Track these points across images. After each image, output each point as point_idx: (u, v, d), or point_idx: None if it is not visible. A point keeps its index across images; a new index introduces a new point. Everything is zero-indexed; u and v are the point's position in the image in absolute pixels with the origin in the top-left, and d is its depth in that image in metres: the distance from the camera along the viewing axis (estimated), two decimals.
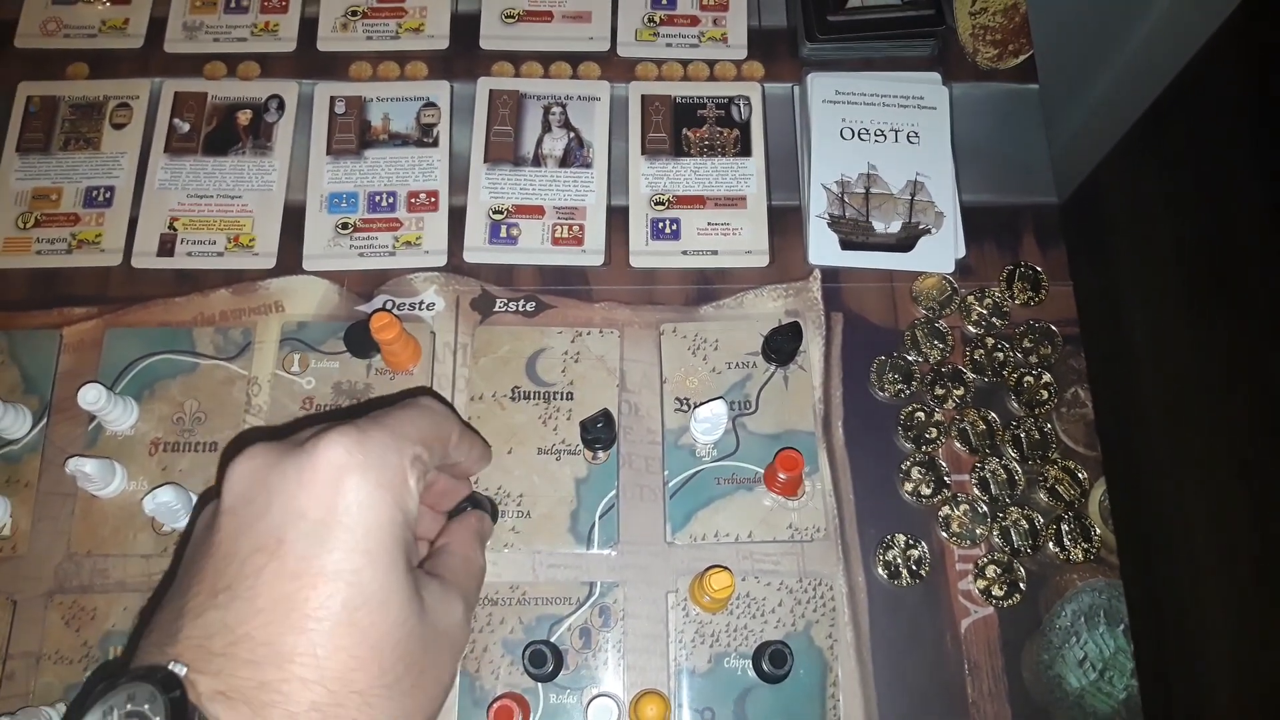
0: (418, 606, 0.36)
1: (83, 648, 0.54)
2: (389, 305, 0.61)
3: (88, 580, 0.55)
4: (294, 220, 0.62)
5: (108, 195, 0.62)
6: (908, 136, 0.64)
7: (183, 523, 0.55)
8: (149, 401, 0.58)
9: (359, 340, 0.58)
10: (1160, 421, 1.21)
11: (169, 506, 0.53)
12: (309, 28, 0.67)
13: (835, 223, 0.62)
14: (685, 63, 0.67)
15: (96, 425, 0.57)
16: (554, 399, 0.59)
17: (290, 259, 0.61)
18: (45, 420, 0.58)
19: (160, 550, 0.55)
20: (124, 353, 0.59)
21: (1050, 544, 0.56)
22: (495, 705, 0.50)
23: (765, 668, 0.52)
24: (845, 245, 0.61)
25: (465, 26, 0.68)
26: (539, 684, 0.53)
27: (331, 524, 0.34)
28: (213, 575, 0.34)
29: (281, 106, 0.65)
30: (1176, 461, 1.18)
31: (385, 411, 0.39)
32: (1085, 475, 0.58)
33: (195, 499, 0.55)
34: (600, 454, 0.57)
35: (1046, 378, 0.59)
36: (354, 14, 0.67)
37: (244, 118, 0.64)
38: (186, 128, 0.64)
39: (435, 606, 0.38)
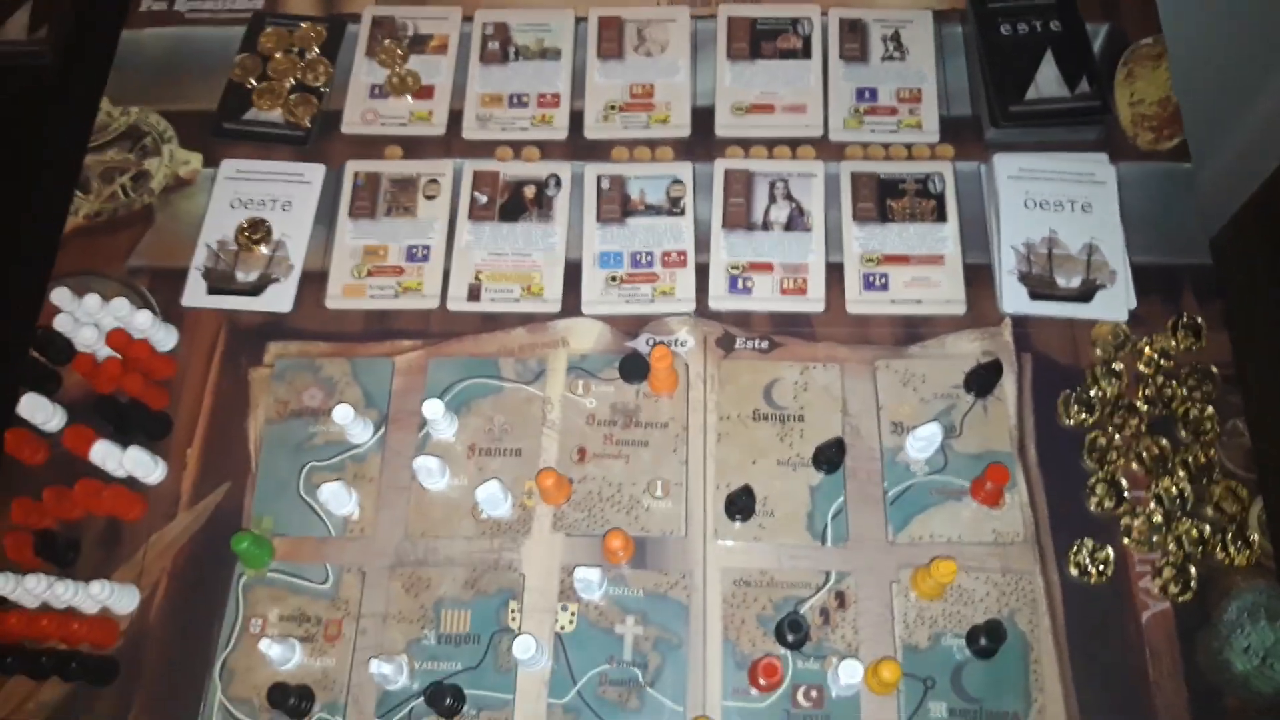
0: None
1: (420, 610, 0.67)
2: (650, 342, 0.74)
3: (422, 556, 0.69)
4: (573, 274, 0.77)
5: (425, 252, 0.78)
6: (1082, 207, 0.76)
7: (501, 511, 0.68)
8: (465, 416, 0.72)
9: (630, 369, 0.72)
10: None
11: (494, 497, 0.67)
12: (577, 119, 0.83)
13: (1024, 278, 0.74)
14: (887, 145, 0.81)
15: (425, 434, 0.72)
16: (788, 420, 0.72)
17: (572, 304, 0.76)
18: (384, 429, 0.72)
19: (479, 534, 0.69)
20: (444, 377, 0.73)
21: (1217, 550, 0.66)
22: (762, 662, 0.62)
23: (983, 641, 0.63)
24: (1033, 296, 0.73)
25: (703, 118, 0.82)
26: (789, 651, 0.65)
27: None
28: None
29: (559, 183, 0.80)
30: None
31: None
32: (1245, 493, 0.68)
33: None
34: (827, 474, 0.70)
35: (1209, 411, 0.70)
36: (612, 108, 0.83)
37: (530, 191, 0.80)
38: (485, 199, 0.79)
39: None
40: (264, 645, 0.64)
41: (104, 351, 0.74)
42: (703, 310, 0.75)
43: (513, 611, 0.67)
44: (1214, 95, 1.16)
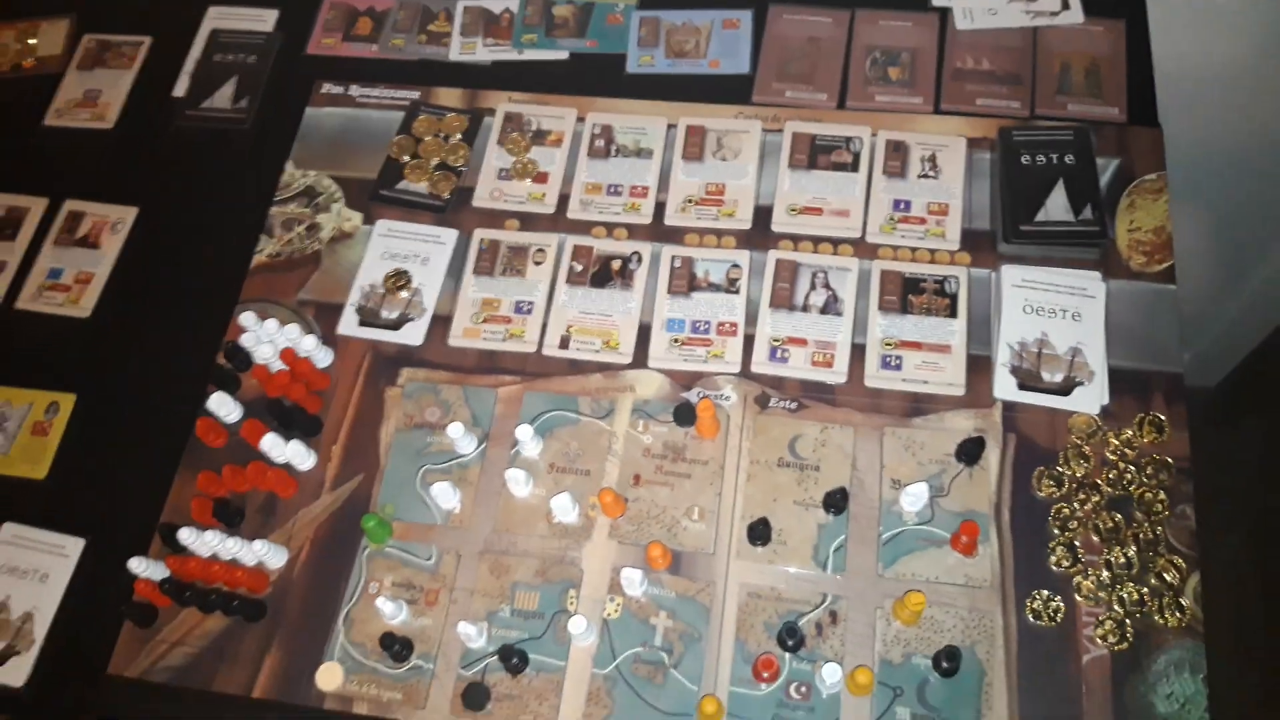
0: None
1: (499, 588, 0.85)
2: (700, 394, 0.91)
3: (505, 547, 0.87)
4: (644, 334, 0.95)
5: (529, 307, 0.97)
6: (1072, 316, 0.91)
7: (569, 518, 0.86)
8: (548, 440, 0.91)
9: (682, 415, 0.89)
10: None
11: (565, 506, 0.85)
12: (660, 208, 1.01)
13: (1015, 370, 0.89)
14: (914, 249, 0.97)
15: (516, 452, 0.90)
16: (806, 469, 0.88)
17: (640, 359, 0.94)
18: (484, 445, 0.91)
19: (551, 534, 0.87)
20: (535, 408, 0.92)
21: (1154, 612, 0.80)
22: (761, 658, 0.78)
23: (943, 663, 0.77)
24: (1021, 387, 0.88)
25: (762, 215, 1.00)
26: (787, 653, 0.80)
27: None
28: None
29: (640, 259, 0.98)
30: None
31: None
32: (1185, 567, 0.81)
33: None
34: (833, 516, 0.85)
35: (1162, 495, 0.84)
36: (690, 201, 1.01)
37: (616, 265, 0.98)
38: (580, 268, 0.98)
39: None
40: (379, 603, 0.82)
41: (276, 364, 0.95)
42: (746, 372, 0.92)
43: (571, 597, 0.84)
44: (1224, 251, 1.29)
